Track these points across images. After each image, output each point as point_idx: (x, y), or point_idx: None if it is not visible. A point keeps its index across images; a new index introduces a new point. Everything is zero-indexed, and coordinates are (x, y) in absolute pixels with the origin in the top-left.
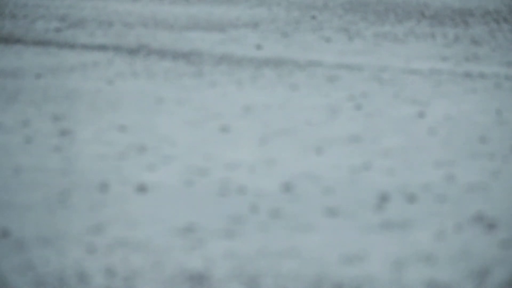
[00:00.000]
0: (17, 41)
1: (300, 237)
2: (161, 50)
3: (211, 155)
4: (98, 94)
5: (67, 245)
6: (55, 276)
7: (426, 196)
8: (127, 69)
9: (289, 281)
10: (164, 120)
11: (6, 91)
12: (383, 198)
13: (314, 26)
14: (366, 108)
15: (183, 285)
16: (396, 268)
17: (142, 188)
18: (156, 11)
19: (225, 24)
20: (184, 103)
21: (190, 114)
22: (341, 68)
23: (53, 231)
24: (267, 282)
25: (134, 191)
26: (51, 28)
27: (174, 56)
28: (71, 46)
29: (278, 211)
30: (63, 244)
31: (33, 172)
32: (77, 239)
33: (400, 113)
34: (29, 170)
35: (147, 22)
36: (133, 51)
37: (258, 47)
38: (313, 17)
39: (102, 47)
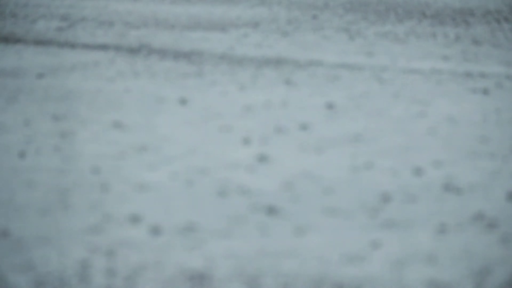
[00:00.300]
0: (18, 40)
1: (300, 237)
2: (162, 50)
3: (211, 155)
4: (99, 94)
5: (67, 245)
6: (55, 276)
7: (426, 195)
8: (128, 69)
9: (290, 281)
10: (164, 119)
11: (6, 91)
12: (384, 198)
13: (315, 25)
14: (366, 108)
15: (184, 285)
16: (396, 268)
17: (142, 188)
18: (157, 10)
19: (225, 23)
20: (185, 102)
21: (190, 114)
22: (342, 68)
23: (53, 231)
24: (267, 282)
25: (134, 191)
26: (52, 27)
27: (175, 55)
28: (72, 45)
29: (278, 211)
30: (63, 244)
31: (34, 171)
32: (77, 239)
33: (401, 113)
34: (29, 170)
35: (148, 22)
36: (134, 51)
37: (259, 46)
38: (314, 17)
39: (103, 47)
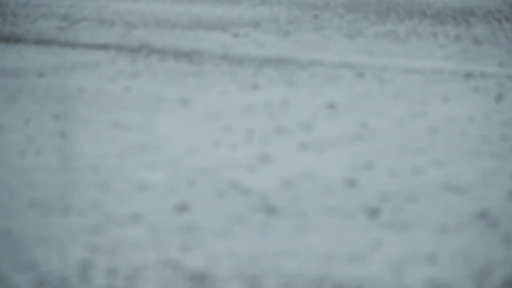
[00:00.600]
0: (19, 40)
1: (300, 236)
2: (163, 49)
3: (212, 154)
4: (99, 93)
5: (67, 244)
6: (56, 275)
7: (426, 195)
8: (128, 69)
9: (290, 280)
10: (165, 119)
11: (7, 90)
12: (384, 198)
13: (316, 25)
14: (367, 108)
15: (184, 285)
16: (397, 268)
17: (142, 188)
18: (158, 10)
19: (226, 23)
20: (185, 102)
21: (191, 114)
22: (342, 67)
23: (53, 230)
24: (267, 282)
25: (135, 190)
26: (53, 27)
27: (176, 55)
28: (73, 45)
29: (278, 211)
30: (63, 243)
31: (34, 171)
32: (77, 239)
33: (401, 113)
34: (30, 169)
35: (149, 21)
36: (134, 50)
37: (260, 46)
38: (315, 17)
39: (104, 46)
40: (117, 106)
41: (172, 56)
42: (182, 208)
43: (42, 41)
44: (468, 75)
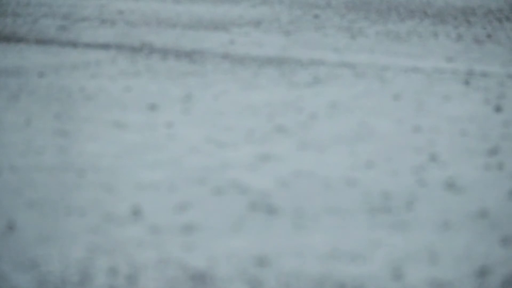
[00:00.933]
0: (20, 39)
1: (301, 236)
2: (164, 49)
3: (212, 153)
4: (100, 93)
5: (68, 243)
6: (57, 274)
7: (427, 195)
8: (129, 68)
9: (291, 280)
10: (165, 119)
11: (8, 90)
12: (384, 197)
13: (317, 24)
14: (367, 107)
15: (184, 284)
16: (398, 267)
17: (143, 187)
18: (159, 9)
19: (227, 22)
20: (186, 102)
21: (191, 113)
22: (344, 67)
23: (54, 230)
24: (268, 282)
25: (135, 190)
26: (54, 26)
27: (177, 54)
28: (74, 44)
29: (279, 210)
30: (64, 242)
31: (35, 170)
32: (78, 238)
33: (402, 112)
34: (30, 169)
35: (150, 21)
36: (135, 50)
37: (260, 45)
38: (316, 16)
39: (105, 46)
40: (118, 105)
41: (173, 55)
42: (183, 207)
43: (43, 41)
44: (469, 75)
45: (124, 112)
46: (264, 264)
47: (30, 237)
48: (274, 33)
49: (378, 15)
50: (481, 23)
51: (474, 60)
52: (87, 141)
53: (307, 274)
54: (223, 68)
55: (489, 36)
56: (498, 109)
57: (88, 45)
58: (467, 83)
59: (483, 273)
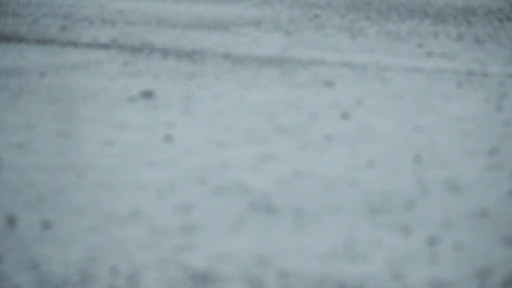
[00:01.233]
0: (20, 39)
1: (301, 236)
2: (164, 49)
3: (213, 153)
4: (101, 93)
5: (68, 243)
6: (57, 274)
7: (427, 195)
8: (130, 68)
9: (291, 279)
10: (165, 119)
11: (9, 90)
12: (384, 197)
13: (317, 24)
14: (368, 107)
15: (185, 284)
16: (398, 267)
17: (142, 187)
18: (159, 9)
19: (228, 22)
20: (186, 101)
21: (192, 113)
22: (344, 67)
23: (53, 230)
24: (268, 281)
25: (135, 190)
26: (54, 26)
27: (177, 54)
28: (74, 44)
29: (279, 210)
30: (64, 243)
31: (35, 170)
32: (78, 238)
33: (402, 112)
34: (30, 169)
35: (150, 21)
36: (136, 50)
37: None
38: (316, 16)
39: (105, 46)
40: (118, 105)
41: (174, 55)
42: (183, 207)
43: (43, 41)
44: (470, 75)
45: (124, 112)
46: (264, 264)
47: (30, 237)
48: (275, 33)
49: (378, 15)
50: (481, 23)
51: (475, 60)
52: (87, 141)
53: (307, 274)
54: (223, 68)
55: (489, 36)
56: (498, 109)
57: (89, 45)
58: (467, 83)
59: (483, 273)
